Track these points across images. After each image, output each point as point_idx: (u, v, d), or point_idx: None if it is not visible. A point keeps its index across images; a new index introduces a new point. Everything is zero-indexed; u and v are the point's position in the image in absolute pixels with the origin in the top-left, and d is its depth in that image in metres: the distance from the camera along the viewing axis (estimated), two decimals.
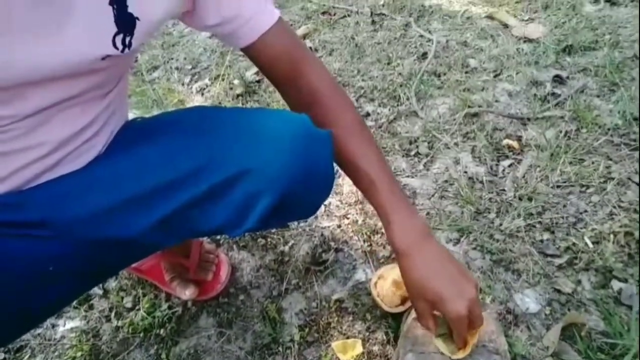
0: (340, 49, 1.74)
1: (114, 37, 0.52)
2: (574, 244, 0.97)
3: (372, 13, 1.91)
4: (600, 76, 1.36)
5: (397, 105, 1.42)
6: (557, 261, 0.95)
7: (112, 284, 1.06)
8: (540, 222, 1.03)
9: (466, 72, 1.49)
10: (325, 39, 1.82)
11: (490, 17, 1.71)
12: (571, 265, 0.94)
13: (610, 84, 1.33)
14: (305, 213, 0.69)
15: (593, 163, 1.13)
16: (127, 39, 0.53)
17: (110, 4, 0.50)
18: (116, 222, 0.56)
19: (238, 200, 0.56)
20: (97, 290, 1.05)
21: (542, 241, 1.00)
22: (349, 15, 1.95)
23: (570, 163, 1.14)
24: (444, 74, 1.50)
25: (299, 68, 0.67)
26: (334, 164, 0.65)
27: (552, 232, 1.01)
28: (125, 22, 0.52)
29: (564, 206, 1.06)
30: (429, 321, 0.68)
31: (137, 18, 0.53)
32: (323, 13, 2.00)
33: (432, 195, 1.14)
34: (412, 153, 1.26)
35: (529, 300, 0.90)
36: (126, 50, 0.54)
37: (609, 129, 1.20)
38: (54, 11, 0.47)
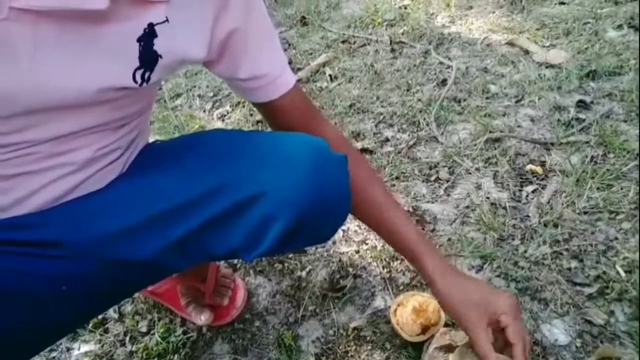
0: (360, 76, 1.75)
1: (134, 72, 0.53)
2: (604, 272, 0.93)
3: (391, 41, 1.93)
4: (627, 101, 1.33)
5: (417, 130, 1.41)
6: (587, 290, 0.91)
7: (127, 307, 1.06)
8: (567, 250, 0.99)
9: (487, 98, 1.48)
10: (345, 66, 1.84)
11: (511, 43, 1.70)
12: (602, 295, 0.89)
13: (637, 109, 1.30)
14: (322, 237, 0.68)
15: (622, 189, 1.09)
16: (147, 74, 0.55)
17: (139, 40, 0.51)
18: (131, 244, 0.56)
19: (253, 223, 0.55)
20: (112, 314, 1.04)
21: (570, 269, 0.95)
22: (368, 44, 1.97)
23: (598, 189, 1.10)
24: (464, 100, 1.49)
25: (312, 126, 0.70)
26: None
27: (581, 260, 0.97)
28: (149, 59, 0.54)
29: (592, 233, 1.02)
30: (483, 333, 0.65)
31: (160, 56, 0.54)
32: (343, 42, 2.03)
33: (454, 221, 1.11)
34: (433, 178, 1.24)
35: (557, 332, 0.85)
36: (144, 84, 0.55)
37: (637, 154, 1.16)
38: (81, 41, 0.48)
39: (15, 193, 0.55)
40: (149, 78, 0.55)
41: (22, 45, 0.45)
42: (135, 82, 0.54)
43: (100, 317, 1.04)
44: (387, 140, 1.40)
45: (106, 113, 0.57)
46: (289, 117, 0.69)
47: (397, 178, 1.25)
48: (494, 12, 1.96)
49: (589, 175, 1.13)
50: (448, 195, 1.19)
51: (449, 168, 1.26)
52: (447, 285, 0.68)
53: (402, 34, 1.98)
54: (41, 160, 0.55)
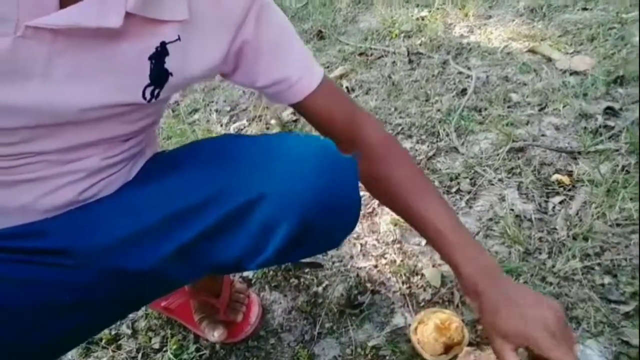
0: (377, 87, 1.73)
1: (144, 89, 0.53)
2: None
3: (409, 52, 1.91)
4: None
5: (437, 141, 1.37)
6: (623, 308, 0.85)
7: (141, 323, 1.04)
8: (599, 264, 0.93)
9: (509, 107, 1.43)
10: (362, 78, 1.82)
11: (532, 51, 1.66)
12: None
13: None
14: (332, 242, 0.65)
15: None
16: (156, 91, 0.55)
17: (150, 58, 0.52)
18: (131, 252, 0.54)
19: (254, 228, 0.53)
20: (125, 330, 1.03)
21: (603, 285, 0.89)
22: (385, 56, 1.95)
23: (631, 199, 1.04)
24: (485, 109, 1.45)
25: (354, 124, 0.70)
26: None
27: (615, 276, 0.91)
28: (159, 77, 0.54)
29: (627, 246, 0.96)
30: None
31: (171, 74, 0.55)
32: (360, 54, 2.01)
33: (477, 234, 1.06)
34: (454, 190, 1.19)
35: (591, 353, 0.79)
36: (152, 100, 0.55)
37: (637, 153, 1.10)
38: (93, 59, 0.49)
39: (21, 199, 0.55)
40: (157, 95, 0.55)
41: (36, 63, 0.46)
42: (144, 98, 0.54)
43: (113, 332, 1.02)
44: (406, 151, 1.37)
45: (114, 127, 0.57)
46: (323, 117, 0.69)
47: None
48: (513, 21, 1.92)
49: (620, 185, 1.07)
50: (470, 207, 1.14)
51: (471, 179, 1.21)
52: (485, 306, 0.65)
53: (420, 44, 1.96)
54: (48, 168, 0.55)
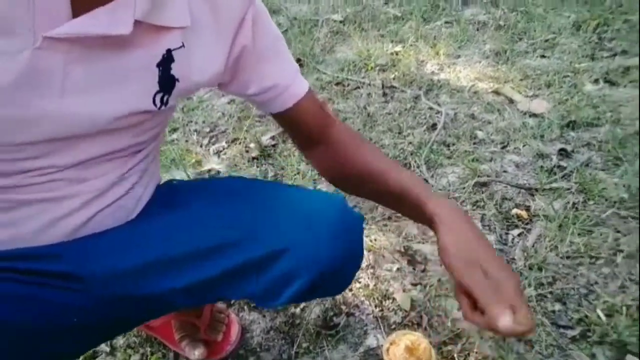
0: (353, 117, 1.82)
1: (154, 95, 0.56)
2: (586, 316, 0.97)
3: (383, 85, 2.02)
4: (604, 151, 1.42)
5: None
6: (570, 333, 0.94)
7: (120, 341, 1.06)
8: (551, 293, 1.03)
9: (474, 143, 1.55)
10: (339, 108, 1.91)
11: (496, 92, 1.80)
12: (585, 338, 0.93)
13: (614, 159, 1.38)
14: (335, 292, 0.71)
15: (601, 235, 1.15)
16: (165, 97, 0.58)
17: (157, 65, 0.55)
18: (144, 282, 0.58)
19: (274, 278, 0.58)
20: (104, 347, 1.04)
21: (554, 312, 0.99)
22: (361, 87, 2.06)
23: (579, 234, 1.15)
24: (453, 144, 1.56)
25: (327, 130, 0.72)
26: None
27: (564, 303, 1.01)
28: (167, 83, 0.56)
29: (575, 277, 1.07)
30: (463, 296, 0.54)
31: (178, 80, 0.57)
32: (337, 84, 2.11)
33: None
34: None
35: None
36: (162, 107, 0.58)
37: (615, 202, 1.23)
38: (106, 68, 0.51)
39: (38, 221, 0.57)
40: (167, 101, 0.58)
41: (53, 74, 0.48)
42: (155, 105, 0.57)
43: (91, 350, 1.03)
44: None
45: (126, 138, 0.59)
46: (306, 123, 0.71)
47: (389, 218, 1.30)
48: (480, 62, 2.07)
49: (570, 221, 1.19)
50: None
51: None
52: (451, 228, 0.57)
53: (394, 78, 2.08)
54: (64, 187, 0.57)
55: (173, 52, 0.55)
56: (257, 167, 1.64)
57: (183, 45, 0.56)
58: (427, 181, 1.41)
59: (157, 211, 0.66)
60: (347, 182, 0.76)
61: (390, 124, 1.73)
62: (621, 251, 1.09)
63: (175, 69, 0.56)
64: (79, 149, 0.55)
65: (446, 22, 2.52)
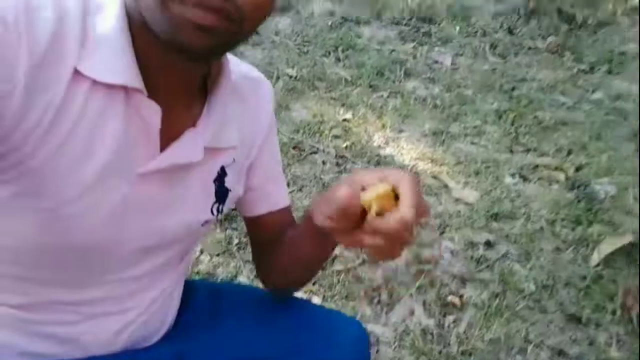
0: (309, 185, 1.99)
1: (212, 206, 0.63)
2: None
3: (336, 154, 2.23)
4: (519, 243, 1.73)
5: (362, 250, 1.67)
6: None
7: None
8: None
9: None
10: (297, 173, 2.07)
11: (434, 177, 2.08)
12: None
13: (525, 252, 1.70)
14: None
15: (516, 325, 1.43)
16: (221, 207, 0.65)
17: (214, 181, 0.62)
18: None
19: None
20: None
21: None
22: (316, 152, 2.24)
23: (500, 323, 1.42)
24: None
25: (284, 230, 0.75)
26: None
27: None
28: (222, 194, 0.64)
29: None
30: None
31: (230, 190, 0.65)
32: (294, 147, 2.27)
33: (393, 344, 1.36)
34: (375, 301, 1.49)
35: None
36: (219, 215, 0.65)
37: (525, 295, 1.52)
38: (178, 190, 0.58)
39: (94, 335, 0.63)
40: (222, 210, 0.65)
41: (140, 199, 0.55)
42: (213, 214, 0.64)
43: None
44: (337, 256, 1.64)
45: (183, 246, 0.66)
46: (273, 230, 0.73)
47: (346, 297, 1.48)
48: (420, 140, 2.36)
49: (493, 310, 1.46)
50: (388, 318, 1.44)
51: (388, 292, 1.52)
52: None
53: (346, 148, 2.29)
54: (121, 301, 0.63)
55: (226, 168, 0.63)
56: (222, 231, 1.74)
57: (234, 161, 0.64)
58: (378, 263, 1.62)
59: (200, 323, 0.74)
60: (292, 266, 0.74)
61: None
62: (530, 342, 1.38)
63: (228, 182, 0.64)
64: (145, 261, 0.61)
65: (391, 92, 2.81)
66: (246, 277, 1.56)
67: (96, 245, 0.56)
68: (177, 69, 0.53)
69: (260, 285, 0.82)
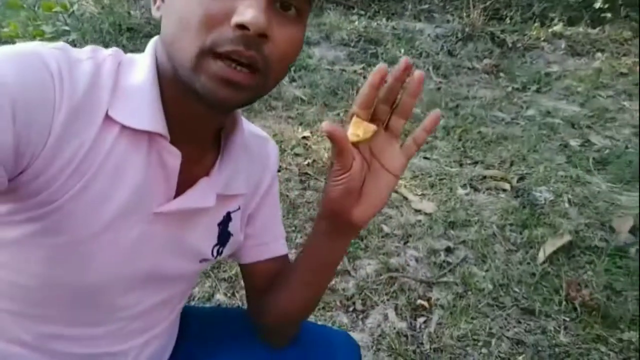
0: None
1: (213, 247, 0.66)
2: None
3: (299, 172, 2.31)
4: (475, 248, 1.88)
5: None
6: None
7: None
8: None
9: (382, 237, 1.91)
10: None
11: (395, 190, 2.22)
12: None
13: (482, 256, 1.85)
14: None
15: (480, 321, 1.56)
16: (221, 249, 0.68)
17: (219, 224, 0.66)
18: None
19: None
20: None
21: None
22: (279, 171, 2.31)
23: (466, 321, 1.55)
24: (365, 238, 1.90)
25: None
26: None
27: None
28: (224, 237, 0.67)
29: (465, 356, 1.44)
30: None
31: (232, 234, 0.68)
32: None
33: (371, 348, 1.44)
34: (351, 309, 1.57)
35: None
36: (218, 257, 0.68)
37: (485, 294, 1.67)
38: (187, 230, 0.61)
39: None
40: (221, 252, 0.68)
41: (152, 239, 0.58)
42: (212, 255, 0.67)
43: None
44: None
45: (182, 284, 0.69)
46: (265, 281, 0.75)
47: (323, 308, 1.55)
48: None
49: (458, 310, 1.58)
50: (364, 324, 1.52)
51: (362, 300, 1.60)
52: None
53: (308, 165, 2.38)
54: (130, 337, 0.66)
55: (231, 214, 0.67)
56: None
57: (239, 208, 0.68)
58: (349, 273, 1.71)
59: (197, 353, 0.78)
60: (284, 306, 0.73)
61: (311, 213, 2.01)
62: (493, 334, 1.51)
63: (231, 227, 0.67)
64: (148, 298, 0.64)
65: (345, 111, 2.94)
66: (223, 294, 1.59)
67: (106, 282, 0.59)
68: (200, 119, 0.57)
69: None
